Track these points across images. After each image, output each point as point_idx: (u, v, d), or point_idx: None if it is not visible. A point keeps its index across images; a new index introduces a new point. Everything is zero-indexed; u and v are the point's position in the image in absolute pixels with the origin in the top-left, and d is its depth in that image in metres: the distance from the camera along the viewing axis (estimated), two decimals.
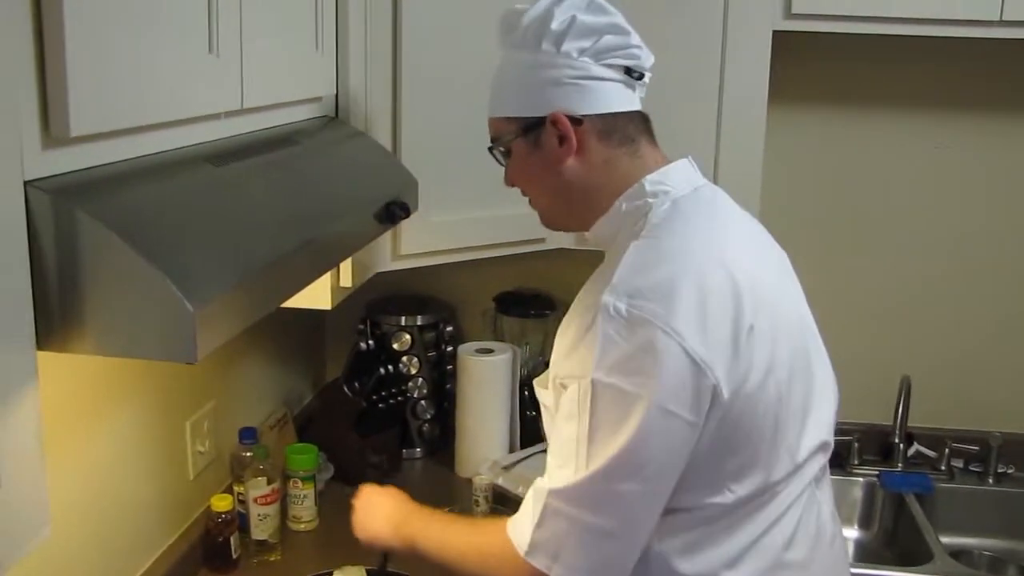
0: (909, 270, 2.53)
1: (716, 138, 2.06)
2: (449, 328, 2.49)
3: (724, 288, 1.24)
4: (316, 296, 1.68)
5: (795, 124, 2.43)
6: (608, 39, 1.32)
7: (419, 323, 2.42)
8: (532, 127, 1.35)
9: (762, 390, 1.26)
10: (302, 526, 2.06)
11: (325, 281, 1.67)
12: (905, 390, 2.49)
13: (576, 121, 1.33)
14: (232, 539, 1.89)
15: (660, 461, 1.21)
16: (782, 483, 1.31)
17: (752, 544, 1.31)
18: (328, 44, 1.62)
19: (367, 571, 1.75)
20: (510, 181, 1.45)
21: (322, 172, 1.40)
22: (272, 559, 1.95)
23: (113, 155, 1.00)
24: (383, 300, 2.49)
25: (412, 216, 1.75)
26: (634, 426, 1.18)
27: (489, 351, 2.29)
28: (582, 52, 1.32)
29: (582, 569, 1.24)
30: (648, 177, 1.34)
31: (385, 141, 1.83)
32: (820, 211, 2.51)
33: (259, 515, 1.94)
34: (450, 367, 2.43)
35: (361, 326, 2.41)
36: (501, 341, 2.42)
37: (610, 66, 1.33)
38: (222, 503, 1.87)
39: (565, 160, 1.34)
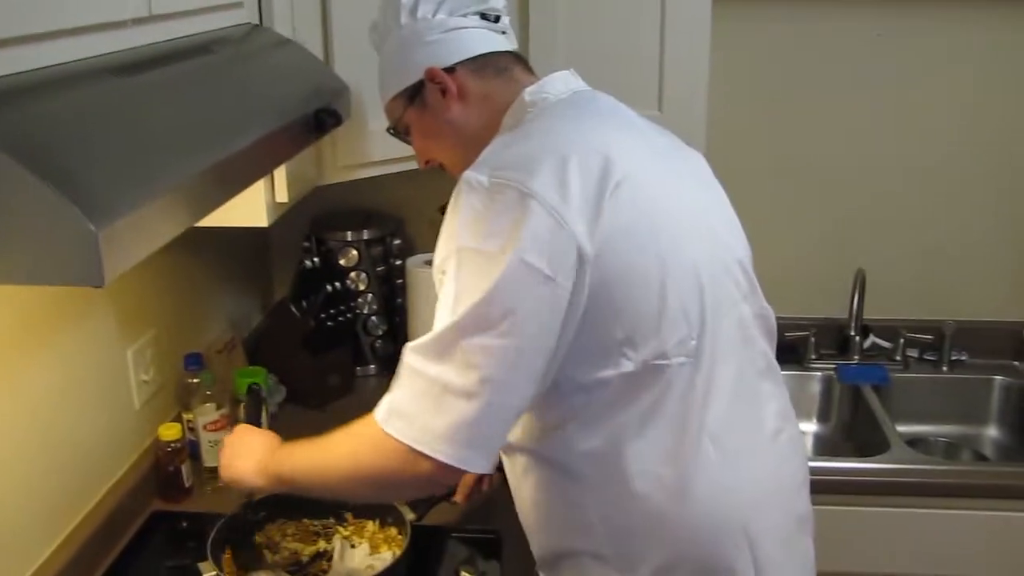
0: (857, 164, 2.50)
1: (660, 36, 2.00)
2: (397, 241, 2.44)
3: (589, 155, 1.26)
4: (251, 213, 1.61)
5: (738, 20, 2.37)
6: None
7: (365, 237, 2.36)
8: (416, 92, 1.47)
9: (637, 249, 1.25)
10: None
11: (259, 197, 1.61)
12: (860, 283, 2.49)
13: (450, 70, 1.44)
14: (183, 468, 1.86)
15: (520, 318, 1.18)
16: (685, 350, 1.29)
17: (678, 432, 1.30)
18: None
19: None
20: (421, 157, 1.56)
21: (242, 82, 1.32)
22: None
23: (3, 68, 0.93)
24: (328, 216, 2.43)
25: (349, 126, 1.69)
26: (491, 280, 1.18)
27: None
28: (436, 11, 1.45)
29: (437, 432, 1.20)
30: (527, 89, 1.42)
31: (315, 48, 1.75)
32: (767, 105, 2.47)
33: (210, 442, 1.91)
34: (400, 281, 2.38)
35: (306, 243, 2.36)
36: None
37: (465, 15, 1.45)
38: (170, 432, 1.83)
39: (452, 108, 1.45)
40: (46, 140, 0.87)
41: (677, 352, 1.29)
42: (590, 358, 1.27)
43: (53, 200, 0.80)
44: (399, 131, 1.55)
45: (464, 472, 1.23)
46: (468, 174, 1.25)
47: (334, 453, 1.34)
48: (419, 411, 1.22)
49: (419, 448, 1.21)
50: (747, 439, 1.38)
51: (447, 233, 1.26)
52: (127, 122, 1.01)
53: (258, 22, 1.60)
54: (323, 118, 1.44)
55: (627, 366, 1.27)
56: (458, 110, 1.45)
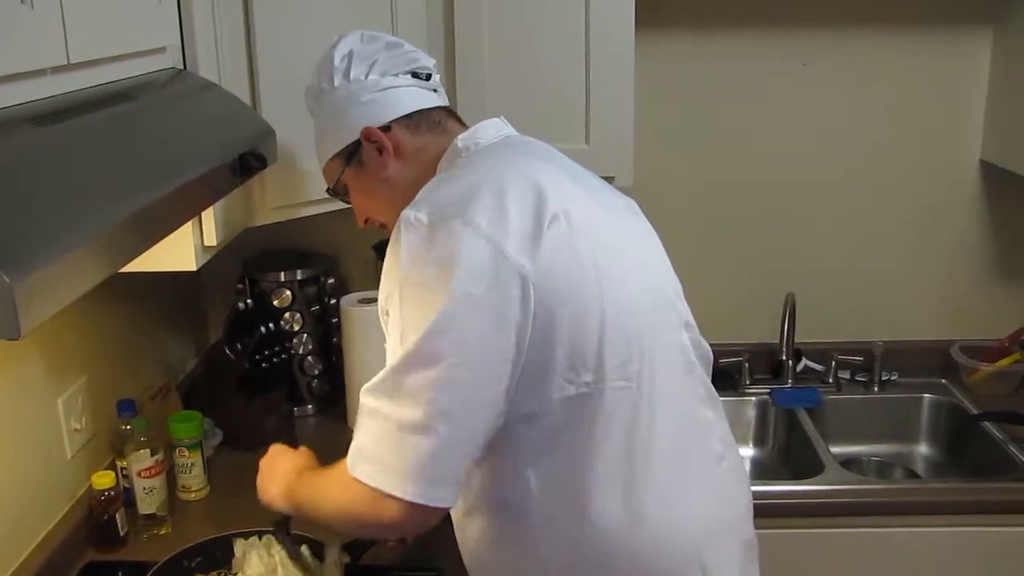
0: (784, 189, 2.55)
1: (585, 70, 2.03)
2: (331, 280, 2.43)
3: (525, 187, 1.29)
4: (179, 257, 1.61)
5: (663, 50, 2.42)
6: (386, 55, 1.51)
7: (299, 277, 2.36)
8: (352, 152, 1.51)
9: (576, 277, 1.27)
10: (192, 495, 2.00)
11: (187, 241, 1.60)
12: (790, 307, 2.53)
13: (385, 128, 1.48)
14: (118, 516, 1.82)
15: (466, 347, 1.20)
16: (622, 374, 1.31)
17: (624, 463, 1.31)
18: None
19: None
20: (360, 217, 1.58)
21: (165, 127, 1.32)
22: (162, 532, 1.89)
23: None
24: (260, 257, 2.42)
25: (277, 167, 1.70)
26: (435, 311, 1.19)
27: (373, 300, 2.24)
28: (368, 73, 1.49)
29: (401, 470, 1.21)
30: (459, 136, 1.46)
31: (241, 92, 1.75)
32: (693, 136, 2.51)
33: (144, 488, 1.87)
34: (335, 320, 2.38)
35: (240, 285, 2.34)
36: None
37: (397, 75, 1.50)
38: (103, 480, 1.80)
39: (389, 165, 1.48)
40: None
41: (617, 375, 1.30)
42: (530, 384, 1.27)
43: None
44: (338, 192, 1.57)
45: (435, 509, 1.24)
46: (406, 213, 1.26)
47: (327, 490, 1.36)
48: (381, 453, 1.22)
49: (386, 490, 1.22)
50: (694, 466, 1.39)
51: (389, 272, 1.27)
52: (46, 171, 1.01)
53: (182, 67, 1.60)
54: (248, 161, 1.44)
55: (568, 390, 1.28)
56: (395, 167, 1.48)
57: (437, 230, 1.23)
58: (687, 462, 1.38)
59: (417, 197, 1.31)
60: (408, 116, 1.49)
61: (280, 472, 1.53)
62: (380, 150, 1.48)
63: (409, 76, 1.51)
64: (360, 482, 1.24)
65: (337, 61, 1.50)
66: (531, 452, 1.31)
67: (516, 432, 1.30)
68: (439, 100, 1.54)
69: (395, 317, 1.24)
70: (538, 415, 1.29)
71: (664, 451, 1.34)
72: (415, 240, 1.24)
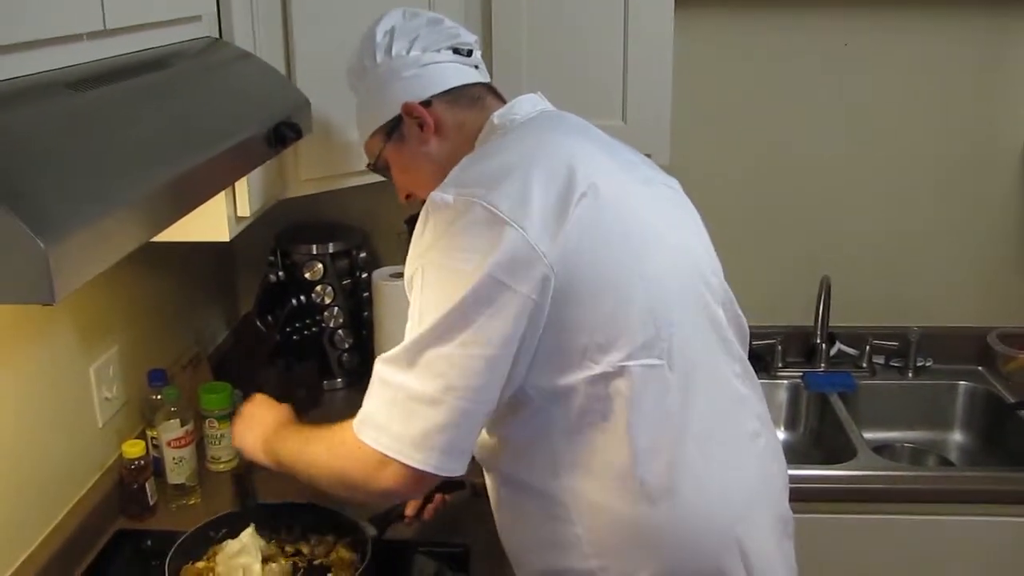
0: (821, 171, 2.52)
1: (623, 47, 2.00)
2: (363, 254, 2.42)
3: (554, 165, 1.30)
4: (212, 227, 1.60)
5: (702, 27, 2.38)
6: (428, 31, 1.51)
7: (331, 251, 2.35)
8: (393, 127, 1.52)
9: (602, 258, 1.28)
10: (221, 466, 2.01)
11: (221, 211, 1.59)
12: (825, 290, 2.50)
13: (426, 104, 1.49)
14: (148, 485, 1.83)
15: (483, 328, 1.22)
16: (655, 351, 1.30)
17: (660, 437, 1.31)
18: None
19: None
20: (402, 192, 1.60)
21: (200, 96, 1.31)
22: (191, 502, 1.90)
23: None
24: (293, 229, 2.42)
25: (311, 139, 1.68)
26: (457, 293, 1.22)
27: (403, 275, 2.23)
28: (410, 48, 1.50)
29: (407, 437, 1.25)
30: (496, 112, 1.47)
31: (277, 62, 1.74)
32: (730, 115, 2.48)
33: (174, 459, 1.88)
34: (366, 294, 2.37)
35: (271, 257, 2.34)
36: None
37: (438, 51, 1.51)
38: (134, 449, 1.81)
39: (429, 141, 1.49)
40: None
41: (645, 354, 1.30)
42: (555, 365, 1.29)
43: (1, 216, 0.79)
44: (379, 168, 1.59)
45: (436, 477, 1.27)
46: (434, 194, 1.29)
47: (318, 450, 1.40)
48: (389, 419, 1.26)
49: (390, 455, 1.26)
50: (729, 441, 1.39)
51: (415, 251, 1.30)
52: (81, 137, 1.00)
53: (218, 35, 1.59)
54: (283, 132, 1.43)
55: (595, 369, 1.29)
56: (435, 143, 1.49)
57: (461, 211, 1.25)
58: (722, 439, 1.38)
59: (448, 177, 1.34)
60: (448, 91, 1.50)
61: (262, 421, 1.58)
62: (421, 125, 1.49)
63: (450, 52, 1.52)
64: (363, 445, 1.28)
65: (379, 37, 1.52)
66: (562, 430, 1.32)
67: (546, 411, 1.32)
68: (480, 76, 1.55)
69: (416, 293, 1.27)
70: (566, 394, 1.30)
71: (698, 428, 1.34)
72: (440, 220, 1.27)
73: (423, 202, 1.52)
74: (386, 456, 1.26)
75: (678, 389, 1.33)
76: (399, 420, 1.26)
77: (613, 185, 1.33)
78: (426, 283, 1.26)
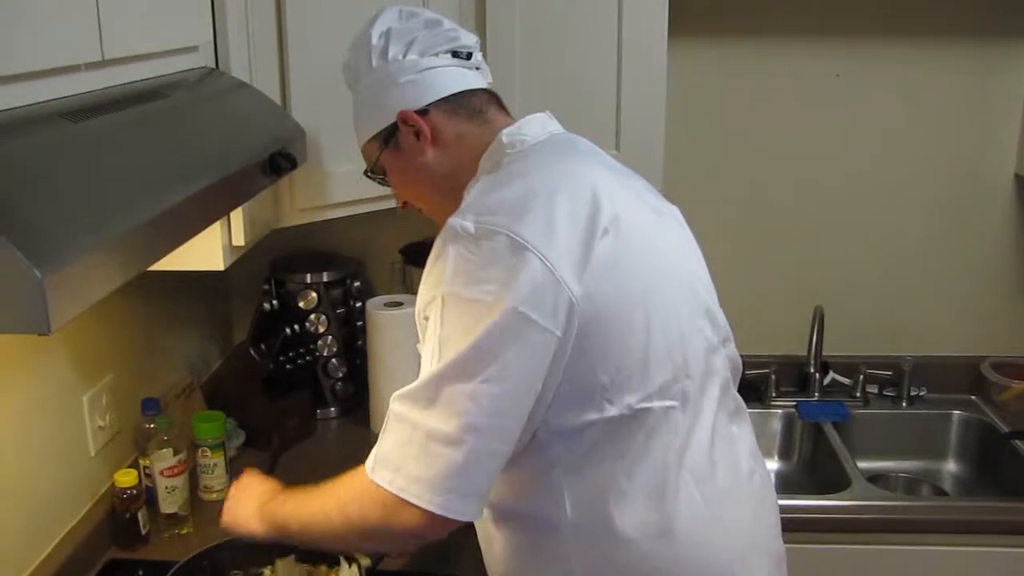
0: (814, 201, 2.53)
1: (617, 75, 2.02)
2: (357, 283, 2.43)
3: (576, 195, 1.26)
4: (207, 257, 1.61)
5: (695, 58, 2.40)
6: (426, 34, 1.44)
7: (325, 279, 2.35)
8: (389, 135, 1.45)
9: (624, 292, 1.25)
10: (214, 495, 1.99)
11: (216, 240, 1.60)
12: (818, 320, 2.50)
13: (422, 112, 1.41)
14: (140, 514, 1.82)
15: (507, 363, 1.17)
16: (670, 394, 1.29)
17: (661, 479, 1.29)
18: None
19: None
20: (399, 199, 1.54)
21: (196, 126, 1.32)
22: (184, 532, 1.88)
23: None
24: (287, 258, 2.42)
25: (307, 168, 1.70)
26: (480, 327, 1.17)
27: (398, 304, 2.24)
28: (407, 52, 1.42)
29: (425, 480, 1.18)
30: (505, 131, 1.40)
31: (272, 92, 1.75)
32: (723, 145, 2.49)
33: (167, 488, 1.87)
34: (360, 323, 2.37)
35: (265, 286, 2.34)
36: (411, 293, 2.36)
37: (436, 55, 1.43)
38: (126, 478, 1.80)
39: (426, 150, 1.42)
40: None
41: (662, 396, 1.28)
42: (572, 403, 1.25)
43: None
44: (376, 173, 1.52)
45: (452, 522, 1.21)
46: (453, 220, 1.24)
47: (325, 502, 1.32)
48: (405, 459, 1.20)
49: (405, 497, 1.19)
50: (727, 480, 1.37)
51: (431, 279, 1.24)
52: (78, 167, 1.00)
53: (214, 66, 1.60)
54: (278, 162, 1.44)
55: (610, 411, 1.26)
56: (432, 153, 1.43)
57: (484, 241, 1.20)
58: (720, 478, 1.36)
59: (464, 203, 1.29)
60: (446, 99, 1.42)
61: (253, 493, 1.51)
62: (417, 134, 1.42)
63: (449, 55, 1.44)
64: (378, 487, 1.21)
65: (375, 39, 1.44)
66: (567, 467, 1.29)
67: (553, 448, 1.29)
68: (481, 80, 1.48)
69: (434, 325, 1.21)
70: (576, 433, 1.27)
71: (699, 468, 1.32)
72: (461, 250, 1.21)
73: (420, 211, 1.52)
74: (399, 498, 1.20)
75: (684, 431, 1.31)
76: (415, 460, 1.19)
77: (633, 218, 1.30)
78: (446, 315, 1.20)
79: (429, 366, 1.21)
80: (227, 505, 1.54)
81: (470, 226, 1.22)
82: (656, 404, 1.28)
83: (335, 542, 1.40)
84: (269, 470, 1.63)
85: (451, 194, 1.39)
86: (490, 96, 1.48)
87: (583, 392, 1.25)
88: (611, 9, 1.99)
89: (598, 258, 1.22)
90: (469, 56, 1.46)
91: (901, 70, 2.43)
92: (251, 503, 1.49)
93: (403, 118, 1.42)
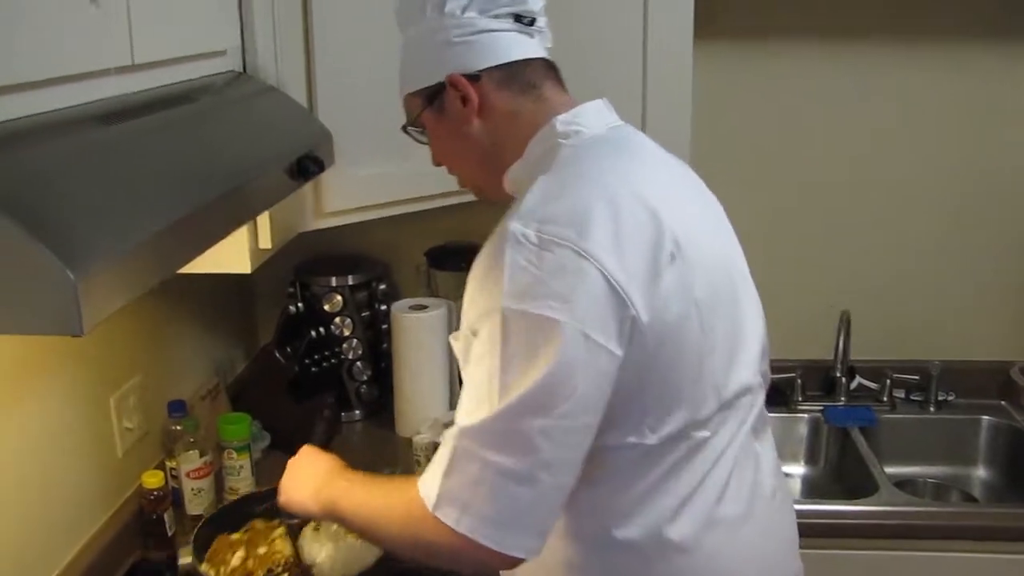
0: (841, 204, 2.52)
1: (643, 79, 2.01)
2: (382, 286, 2.43)
3: (641, 214, 1.19)
4: (234, 259, 1.61)
5: (721, 61, 2.39)
6: None
7: (350, 283, 2.36)
8: (434, 95, 1.34)
9: (684, 320, 1.20)
10: (239, 497, 2.00)
11: (243, 243, 1.61)
12: (845, 324, 2.49)
13: (473, 78, 1.31)
14: (166, 516, 1.83)
15: (580, 395, 1.12)
16: (709, 425, 1.26)
17: (686, 500, 1.26)
18: None
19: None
20: (435, 159, 1.44)
21: (225, 130, 1.33)
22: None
23: None
24: (312, 261, 2.43)
25: (333, 172, 1.70)
26: (550, 354, 1.10)
27: (423, 307, 2.24)
28: (465, 8, 1.30)
29: (493, 519, 1.14)
30: (559, 117, 1.31)
31: (299, 95, 1.76)
32: (750, 148, 2.48)
33: (193, 489, 1.88)
34: (385, 326, 2.38)
35: (291, 289, 2.35)
36: (435, 296, 2.37)
37: (497, 16, 1.31)
38: (153, 479, 1.81)
39: (471, 120, 1.33)
40: (27, 188, 0.87)
41: (697, 428, 1.25)
42: (614, 424, 1.20)
43: (31, 248, 0.80)
44: (415, 128, 1.42)
45: (522, 560, 1.18)
46: (513, 226, 1.15)
47: (388, 516, 1.28)
48: (473, 498, 1.15)
49: (475, 539, 1.15)
50: (749, 502, 1.34)
51: (485, 289, 1.17)
52: (109, 170, 1.01)
53: (242, 70, 1.61)
54: (306, 165, 1.44)
55: (650, 438, 1.22)
56: (478, 123, 1.33)
57: (547, 253, 1.13)
58: (742, 500, 1.33)
59: (523, 207, 1.18)
60: (500, 67, 1.31)
61: (312, 473, 1.48)
62: (464, 100, 1.32)
63: (511, 19, 1.31)
64: (443, 525, 1.16)
65: None
66: (593, 483, 1.25)
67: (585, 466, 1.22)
68: (539, 48, 1.36)
69: (491, 343, 1.14)
70: (611, 451, 1.23)
71: (722, 490, 1.29)
72: (522, 262, 1.13)
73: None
74: (468, 538, 1.15)
75: (713, 457, 1.28)
76: (486, 501, 1.14)
77: (693, 237, 1.23)
78: (510, 332, 1.12)
79: (489, 390, 1.14)
80: (283, 482, 1.52)
81: (532, 234, 1.14)
82: (694, 434, 1.25)
83: (392, 550, 1.37)
84: (324, 444, 1.60)
85: (491, 169, 1.35)
86: (547, 67, 1.36)
87: (628, 415, 1.21)
88: (636, 13, 1.98)
89: (665, 285, 1.17)
90: (532, 22, 1.34)
91: (925, 71, 2.41)
92: (309, 484, 1.45)
93: (452, 81, 1.31)
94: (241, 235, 1.60)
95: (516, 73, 1.32)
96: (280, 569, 1.64)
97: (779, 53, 2.42)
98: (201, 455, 1.89)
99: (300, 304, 2.31)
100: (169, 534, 1.84)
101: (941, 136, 2.46)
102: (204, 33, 1.46)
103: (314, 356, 2.28)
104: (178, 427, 1.92)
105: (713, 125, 2.40)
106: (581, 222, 1.15)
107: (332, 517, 1.41)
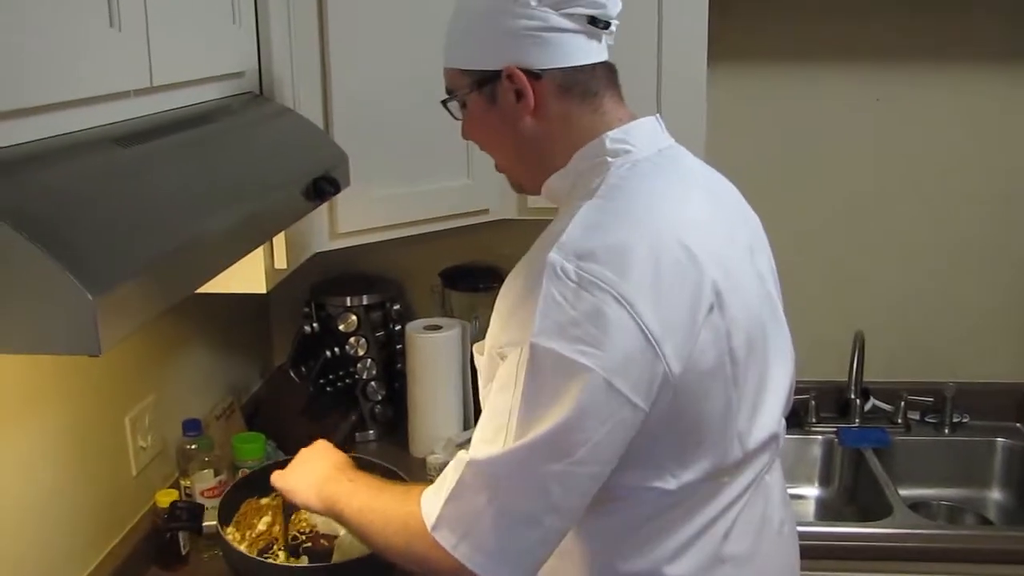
0: (856, 226, 2.52)
1: (656, 100, 2.02)
2: (396, 306, 2.44)
3: (683, 261, 1.16)
4: (249, 279, 1.62)
5: (736, 83, 2.40)
6: None
7: (365, 303, 2.37)
8: (487, 81, 1.27)
9: (715, 373, 1.19)
10: None
11: (258, 264, 1.62)
12: (859, 346, 2.48)
13: (534, 76, 1.25)
14: (180, 535, 1.84)
15: (596, 443, 1.11)
16: (731, 473, 1.26)
17: (694, 538, 1.26)
18: (247, 16, 1.56)
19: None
20: (466, 135, 1.38)
21: (241, 151, 1.34)
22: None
23: (6, 139, 0.94)
24: (328, 281, 2.44)
25: (349, 193, 1.71)
26: (572, 399, 1.09)
27: (438, 327, 2.25)
28: (541, 0, 1.23)
29: (491, 553, 1.13)
30: (610, 134, 1.27)
31: (315, 117, 1.78)
32: (764, 171, 2.49)
33: (207, 508, 1.89)
34: (400, 346, 2.38)
35: (306, 309, 2.36)
36: (450, 317, 2.37)
37: (571, 16, 1.23)
38: (167, 498, 1.82)
39: (523, 117, 1.27)
40: (46, 209, 0.88)
41: (718, 474, 1.25)
42: (627, 466, 1.18)
43: (50, 268, 0.81)
44: (453, 101, 1.34)
45: None
46: (553, 258, 1.13)
47: (385, 523, 1.27)
48: (473, 529, 1.14)
49: (469, 567, 1.14)
50: (757, 537, 1.33)
51: (518, 316, 1.15)
52: (127, 191, 1.03)
53: (259, 92, 1.63)
54: (322, 186, 1.45)
55: (668, 483, 1.21)
56: (529, 122, 1.27)
57: (586, 295, 1.10)
58: (752, 534, 1.32)
59: (565, 236, 1.15)
60: (563, 70, 1.25)
61: (318, 468, 1.48)
62: (518, 95, 1.26)
63: (585, 20, 1.24)
64: (432, 539, 1.16)
65: None
66: (601, 520, 1.25)
67: (596, 507, 1.21)
68: (605, 52, 1.30)
69: (516, 374, 1.12)
70: (631, 492, 1.23)
71: (734, 527, 1.29)
72: (558, 298, 1.11)
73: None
74: (462, 564, 1.14)
75: (728, 500, 1.27)
76: (486, 534, 1.13)
77: (735, 282, 1.22)
78: (537, 369, 1.10)
79: (507, 424, 1.13)
80: (289, 469, 1.53)
81: (571, 270, 1.11)
82: (715, 480, 1.25)
83: (385, 556, 1.35)
84: (341, 444, 1.62)
85: (529, 166, 1.33)
86: (610, 73, 1.31)
87: (650, 460, 1.20)
88: (651, 36, 1.99)
89: (702, 339, 1.16)
90: (607, 26, 1.27)
91: (940, 93, 2.41)
92: (313, 478, 1.46)
93: (511, 74, 1.25)
94: (257, 255, 1.61)
95: (579, 78, 1.27)
96: (304, 538, 1.69)
97: (794, 75, 2.43)
98: (216, 474, 1.90)
99: (315, 324, 2.32)
100: (183, 553, 1.84)
101: (953, 157, 2.46)
102: (221, 55, 1.47)
103: (329, 376, 2.29)
104: (193, 446, 1.93)
105: (727, 147, 2.40)
106: (621, 263, 1.12)
107: (331, 514, 1.42)
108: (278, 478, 1.53)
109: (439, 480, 1.21)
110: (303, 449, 1.57)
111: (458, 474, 1.16)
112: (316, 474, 1.47)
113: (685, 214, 1.24)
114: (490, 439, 1.15)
